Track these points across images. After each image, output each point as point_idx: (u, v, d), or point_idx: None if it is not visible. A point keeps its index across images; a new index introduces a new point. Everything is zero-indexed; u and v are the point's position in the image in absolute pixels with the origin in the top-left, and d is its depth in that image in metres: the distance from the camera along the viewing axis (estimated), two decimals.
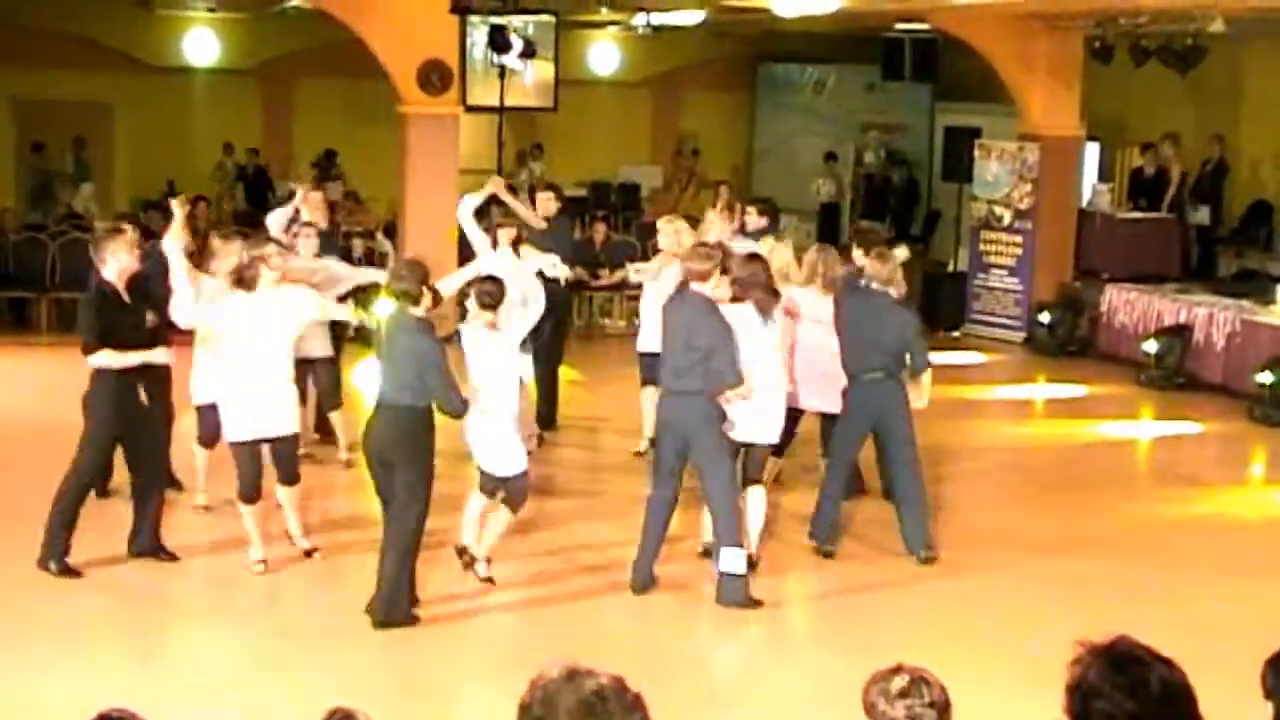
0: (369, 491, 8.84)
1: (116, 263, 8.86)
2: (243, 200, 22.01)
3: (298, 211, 11.45)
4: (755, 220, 11.98)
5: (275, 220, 11.32)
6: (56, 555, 8.90)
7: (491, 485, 8.95)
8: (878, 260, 9.69)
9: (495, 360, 8.75)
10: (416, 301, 8.16)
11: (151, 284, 9.20)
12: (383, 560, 8.23)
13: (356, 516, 10.01)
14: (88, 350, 8.75)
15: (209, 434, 9.90)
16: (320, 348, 11.05)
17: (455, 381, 8.26)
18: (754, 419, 8.97)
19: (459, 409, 8.28)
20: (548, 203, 12.76)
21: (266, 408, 8.90)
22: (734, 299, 8.82)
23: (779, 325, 9.11)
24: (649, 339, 11.04)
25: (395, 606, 8.21)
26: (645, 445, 11.40)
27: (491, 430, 8.73)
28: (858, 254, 10.17)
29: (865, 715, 3.33)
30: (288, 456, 9.19)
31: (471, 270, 10.20)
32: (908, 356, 9.51)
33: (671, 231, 11.27)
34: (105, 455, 9.30)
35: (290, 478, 9.23)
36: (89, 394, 8.89)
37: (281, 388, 9.00)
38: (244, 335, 8.86)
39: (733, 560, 8.60)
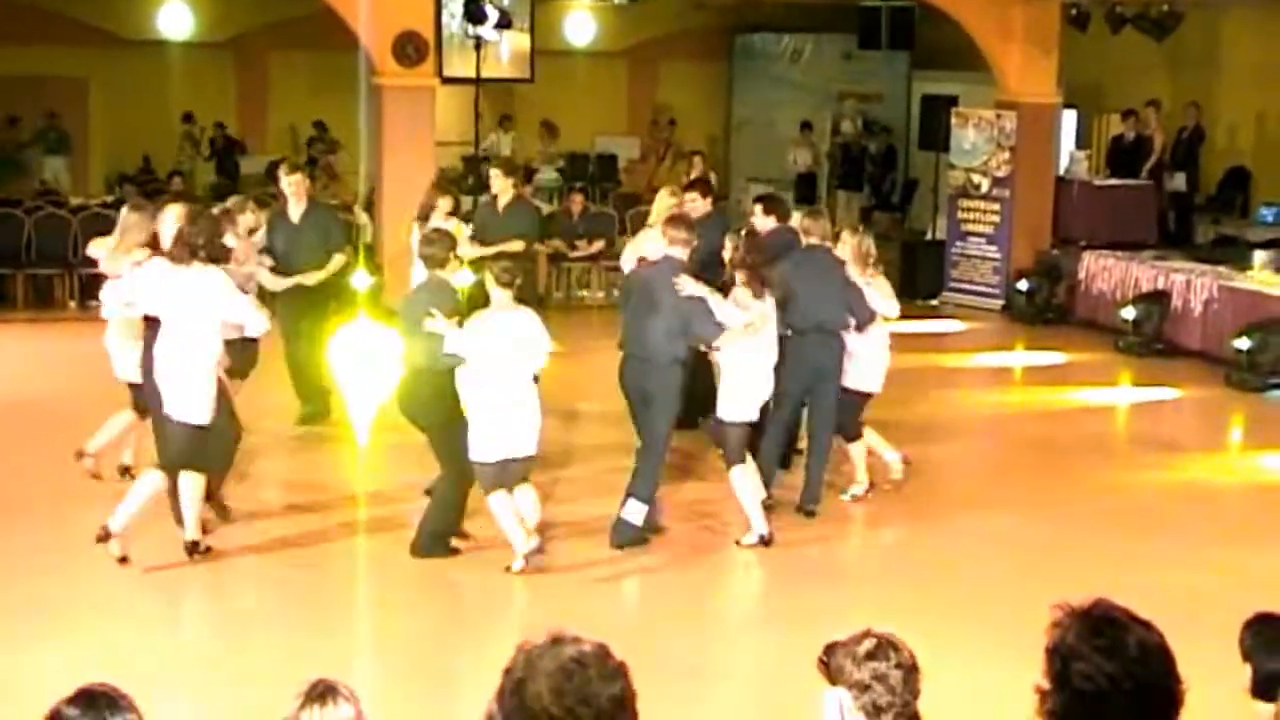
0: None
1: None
2: (214, 173, 21.87)
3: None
4: (700, 206, 11.06)
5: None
6: None
7: (494, 479, 8.51)
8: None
9: (517, 343, 8.48)
10: (443, 266, 8.77)
11: None
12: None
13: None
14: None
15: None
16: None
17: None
18: (733, 400, 9.14)
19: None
20: (496, 179, 12.06)
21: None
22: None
23: (765, 304, 9.12)
24: None
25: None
26: None
27: (522, 415, 8.47)
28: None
29: (834, 679, 3.32)
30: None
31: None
32: None
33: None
34: None
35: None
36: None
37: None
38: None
39: (634, 512, 9.01)
